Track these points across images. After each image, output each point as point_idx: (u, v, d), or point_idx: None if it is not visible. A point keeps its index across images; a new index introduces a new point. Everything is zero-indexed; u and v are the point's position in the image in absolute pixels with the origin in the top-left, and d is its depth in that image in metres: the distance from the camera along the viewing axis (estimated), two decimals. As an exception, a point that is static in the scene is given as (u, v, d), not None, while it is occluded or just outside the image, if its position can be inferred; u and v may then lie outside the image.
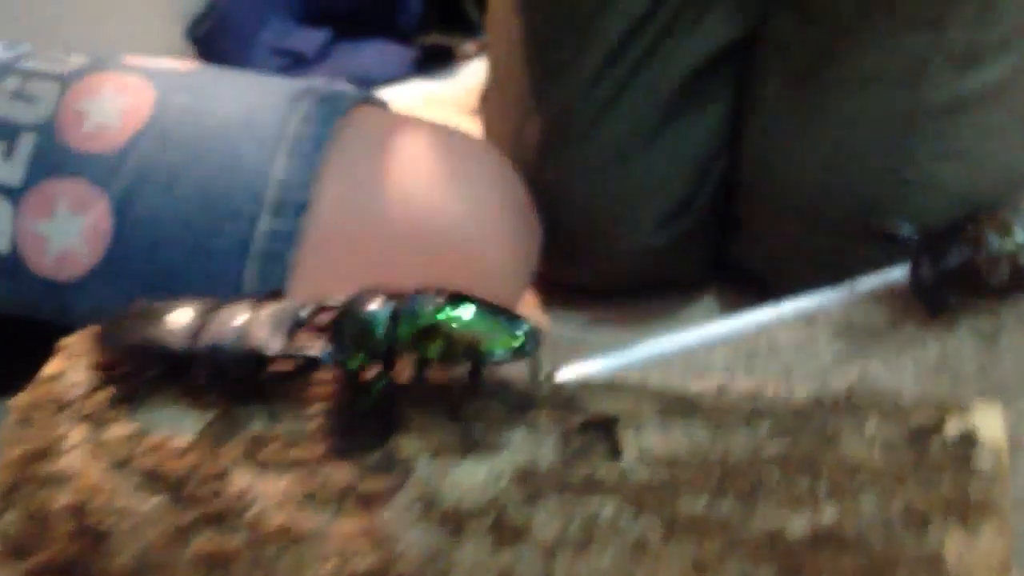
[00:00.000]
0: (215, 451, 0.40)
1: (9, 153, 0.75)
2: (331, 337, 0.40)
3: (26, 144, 0.75)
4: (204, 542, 0.39)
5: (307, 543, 0.39)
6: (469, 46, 1.17)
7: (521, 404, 0.40)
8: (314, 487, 0.39)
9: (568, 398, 0.40)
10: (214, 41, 1.16)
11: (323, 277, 0.74)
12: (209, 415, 0.40)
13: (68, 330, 0.46)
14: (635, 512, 0.37)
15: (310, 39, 1.17)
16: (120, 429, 0.40)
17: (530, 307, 0.90)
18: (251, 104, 0.77)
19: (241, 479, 0.39)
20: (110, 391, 0.41)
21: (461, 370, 0.41)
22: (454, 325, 0.41)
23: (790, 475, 0.37)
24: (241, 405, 0.41)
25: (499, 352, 0.40)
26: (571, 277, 0.89)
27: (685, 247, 0.88)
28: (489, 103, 0.94)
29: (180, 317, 0.42)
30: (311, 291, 0.76)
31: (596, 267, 0.89)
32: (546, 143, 0.86)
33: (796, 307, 0.71)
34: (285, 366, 0.41)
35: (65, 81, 0.77)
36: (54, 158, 0.75)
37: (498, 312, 0.42)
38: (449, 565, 0.38)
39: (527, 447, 0.39)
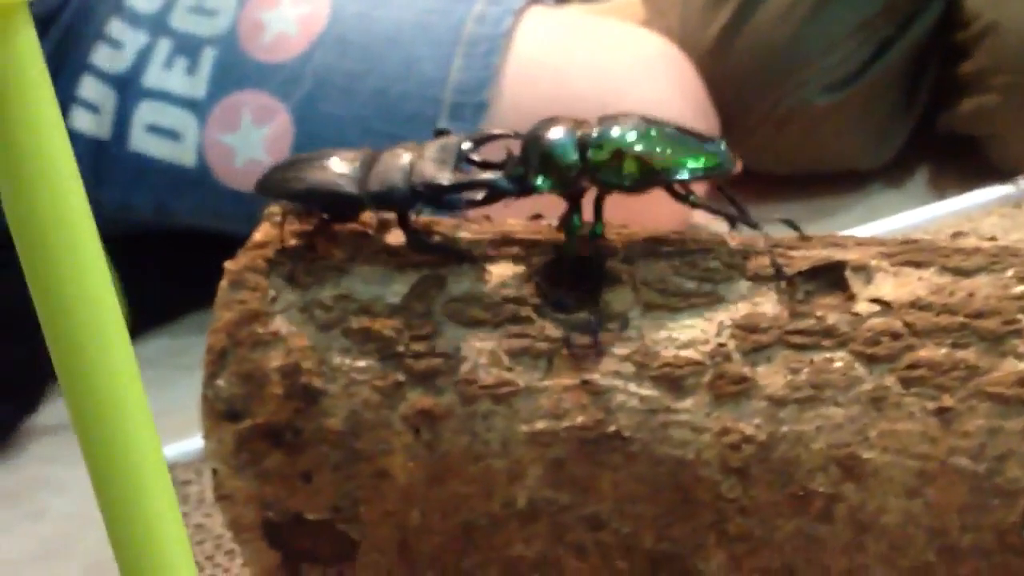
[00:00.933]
0: (423, 311, 0.39)
1: (193, 68, 0.77)
2: (515, 163, 0.39)
3: (208, 58, 0.76)
4: (415, 401, 0.38)
5: (519, 400, 0.38)
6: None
7: (737, 255, 0.38)
8: (525, 344, 0.38)
9: (788, 248, 0.38)
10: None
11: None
12: (416, 276, 0.40)
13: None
14: (870, 361, 0.34)
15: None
16: (329, 291, 0.40)
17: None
18: (425, 7, 0.76)
19: (450, 338, 0.39)
20: (317, 255, 0.41)
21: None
22: (645, 146, 0.39)
23: (1044, 317, 0.34)
24: (446, 265, 0.40)
25: (695, 166, 0.39)
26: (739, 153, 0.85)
27: (860, 116, 0.83)
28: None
29: (341, 165, 0.41)
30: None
31: (761, 139, 0.84)
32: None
33: (1001, 191, 0.67)
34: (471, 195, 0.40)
35: None
36: (236, 71, 0.76)
37: (689, 133, 0.40)
38: (667, 421, 0.36)
39: (748, 297, 0.37)
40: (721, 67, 0.80)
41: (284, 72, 0.75)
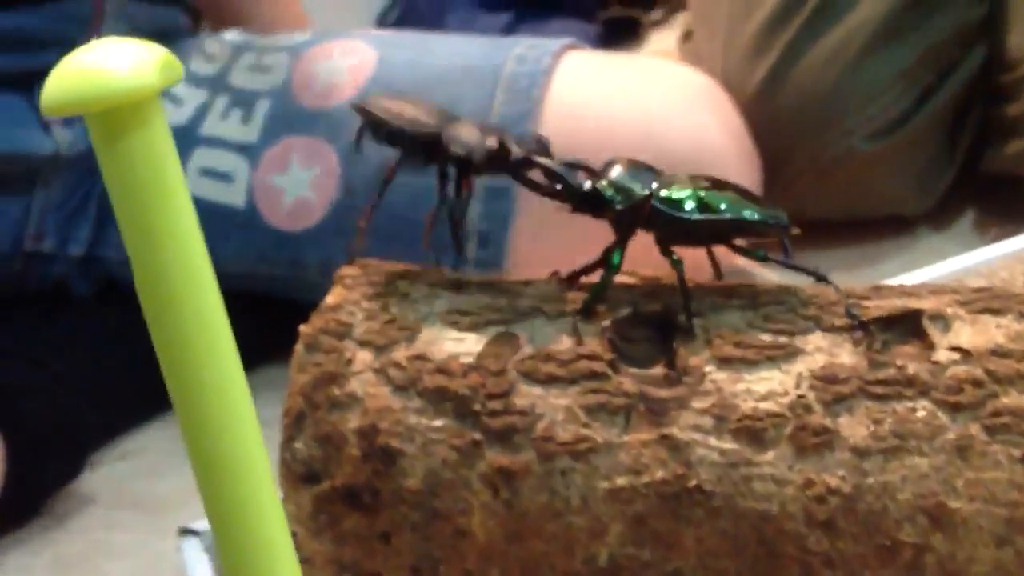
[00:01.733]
0: (498, 369, 0.39)
1: (247, 118, 0.79)
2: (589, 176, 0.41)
3: (262, 108, 0.78)
4: (492, 459, 0.38)
5: (598, 456, 0.38)
6: (654, 14, 1.15)
7: (811, 305, 0.38)
8: (601, 400, 0.38)
9: (861, 297, 0.38)
10: (402, 29, 1.19)
11: (546, 212, 0.74)
12: (489, 334, 0.40)
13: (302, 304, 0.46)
14: (953, 409, 0.34)
15: (494, 22, 1.18)
16: (404, 351, 0.40)
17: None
18: (467, 54, 0.78)
19: (526, 395, 0.39)
20: (391, 316, 0.41)
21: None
22: (710, 193, 0.40)
23: None
24: (520, 322, 0.40)
25: (755, 217, 0.40)
26: (781, 203, 0.85)
27: (904, 162, 0.83)
28: (692, 40, 0.91)
29: (424, 113, 0.43)
30: (536, 227, 0.76)
31: (806, 186, 0.84)
32: (759, 47, 0.82)
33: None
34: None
35: (295, 51, 0.80)
36: (288, 117, 0.78)
37: (752, 195, 0.41)
38: (749, 474, 0.36)
39: (825, 348, 0.37)
40: (764, 115, 0.81)
41: (333, 117, 0.77)
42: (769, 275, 0.85)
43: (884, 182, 0.84)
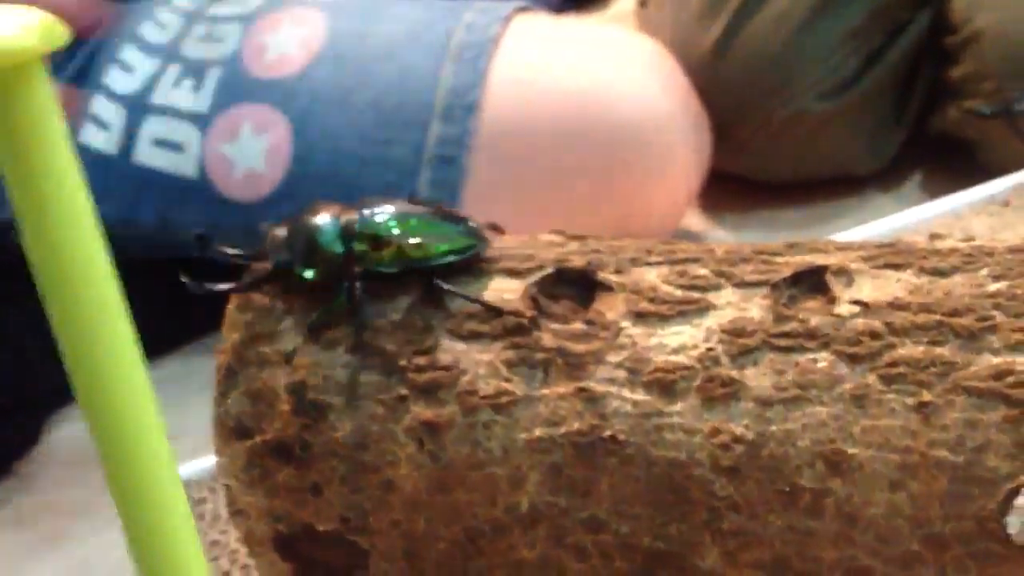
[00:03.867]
0: (424, 326, 0.40)
1: (198, 87, 0.79)
2: (279, 248, 0.40)
3: (213, 77, 0.79)
4: (418, 413, 0.40)
5: (518, 409, 0.39)
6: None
7: (724, 262, 0.39)
8: (522, 355, 0.39)
9: (773, 254, 0.39)
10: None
11: (495, 179, 0.75)
12: (416, 292, 0.41)
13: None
14: (852, 360, 0.36)
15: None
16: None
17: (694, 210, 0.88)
18: (416, 20, 0.79)
19: (450, 351, 0.40)
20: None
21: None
22: (402, 232, 0.40)
23: (1016, 312, 0.35)
24: (446, 280, 0.41)
25: (448, 251, 0.40)
26: (732, 165, 0.86)
27: (854, 123, 0.84)
28: (646, 6, 0.92)
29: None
30: (485, 194, 0.78)
31: (758, 148, 0.85)
32: (708, 10, 0.83)
33: (988, 191, 0.67)
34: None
35: (246, 20, 0.81)
36: (238, 86, 0.79)
37: (445, 216, 0.42)
38: (660, 424, 0.37)
39: (734, 303, 0.38)
40: (715, 78, 0.82)
41: (284, 87, 0.78)
42: (723, 236, 0.87)
43: (834, 143, 0.86)
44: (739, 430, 0.36)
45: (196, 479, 0.59)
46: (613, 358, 0.38)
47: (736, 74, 0.83)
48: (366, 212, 0.41)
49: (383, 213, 0.41)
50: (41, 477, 0.73)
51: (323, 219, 0.41)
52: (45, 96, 0.19)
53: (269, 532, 0.43)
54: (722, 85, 0.82)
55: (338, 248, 0.40)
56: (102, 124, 0.80)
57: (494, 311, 0.40)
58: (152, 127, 0.79)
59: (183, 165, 0.79)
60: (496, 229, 0.43)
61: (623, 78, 0.76)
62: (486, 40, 0.76)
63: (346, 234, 0.40)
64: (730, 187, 0.88)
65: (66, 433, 0.76)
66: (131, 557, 0.25)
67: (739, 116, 0.84)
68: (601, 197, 0.75)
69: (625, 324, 0.39)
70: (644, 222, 0.76)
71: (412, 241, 0.41)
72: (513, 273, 0.41)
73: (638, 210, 0.76)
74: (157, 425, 0.24)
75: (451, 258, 0.41)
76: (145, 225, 0.80)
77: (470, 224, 0.42)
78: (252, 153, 0.77)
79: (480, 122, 0.74)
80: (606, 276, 0.40)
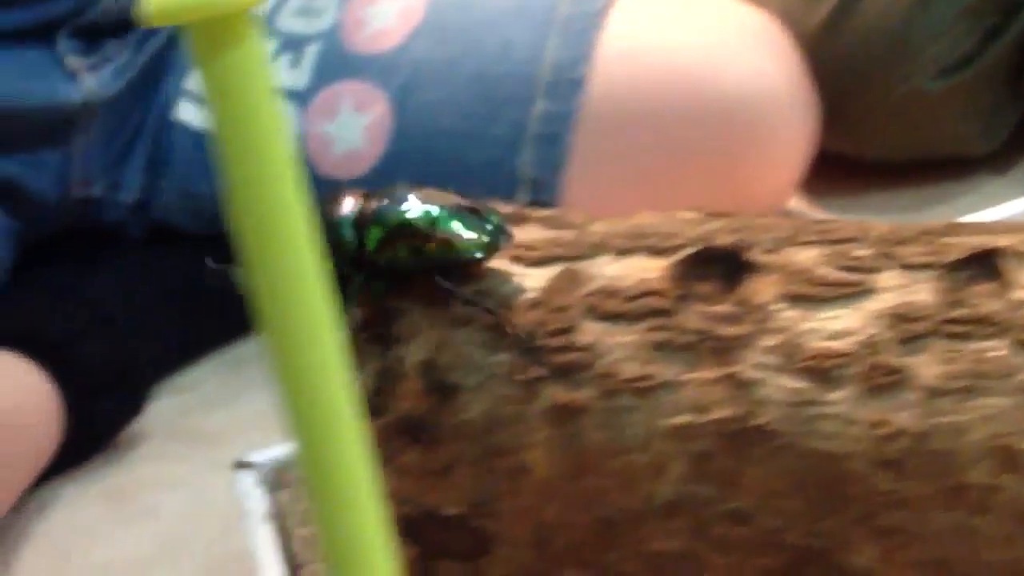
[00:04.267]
0: (561, 305, 0.39)
1: (296, 62, 0.78)
2: None
3: (311, 53, 0.77)
4: (554, 395, 0.38)
5: (661, 394, 0.37)
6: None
7: (886, 242, 0.37)
8: (666, 337, 0.37)
9: (940, 234, 0.37)
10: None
11: (600, 157, 0.73)
12: (552, 269, 0.40)
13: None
14: (1030, 350, 0.34)
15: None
16: (467, 286, 0.40)
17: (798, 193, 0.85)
18: None
19: (589, 331, 0.38)
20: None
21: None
22: (422, 224, 0.38)
23: None
24: (584, 258, 0.39)
25: (471, 249, 0.38)
26: (839, 145, 0.82)
27: (970, 102, 0.81)
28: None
29: None
30: (588, 172, 0.75)
31: (869, 127, 0.82)
32: None
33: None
34: None
35: None
36: (337, 62, 0.77)
37: (464, 208, 0.39)
38: (816, 414, 0.35)
39: (899, 286, 0.36)
40: (827, 55, 0.79)
41: (383, 61, 0.76)
42: (814, 215, 0.84)
43: (949, 123, 0.82)
44: (904, 422, 0.34)
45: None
46: (765, 342, 0.36)
47: (849, 50, 0.80)
48: (385, 202, 0.39)
49: (400, 202, 0.39)
50: (136, 451, 0.72)
51: (343, 206, 0.39)
52: (256, 50, 0.17)
53: (393, 514, 0.41)
54: (833, 61, 0.79)
55: (350, 238, 0.38)
56: (197, 99, 0.79)
57: (498, 323, 0.38)
58: None
59: None
60: (522, 218, 0.41)
61: (734, 51, 0.73)
62: (593, 13, 0.74)
63: (360, 223, 0.38)
64: (833, 168, 0.85)
65: (161, 407, 0.75)
66: (321, 529, 0.23)
67: (850, 94, 0.81)
68: (708, 176, 0.73)
69: (777, 307, 0.37)
70: (751, 202, 0.73)
71: (436, 234, 0.38)
72: (655, 251, 0.39)
73: (746, 190, 0.74)
74: (348, 392, 0.22)
75: (474, 255, 0.39)
76: None
77: (493, 218, 0.39)
78: (351, 130, 0.76)
79: (585, 98, 0.72)
80: (755, 256, 0.38)
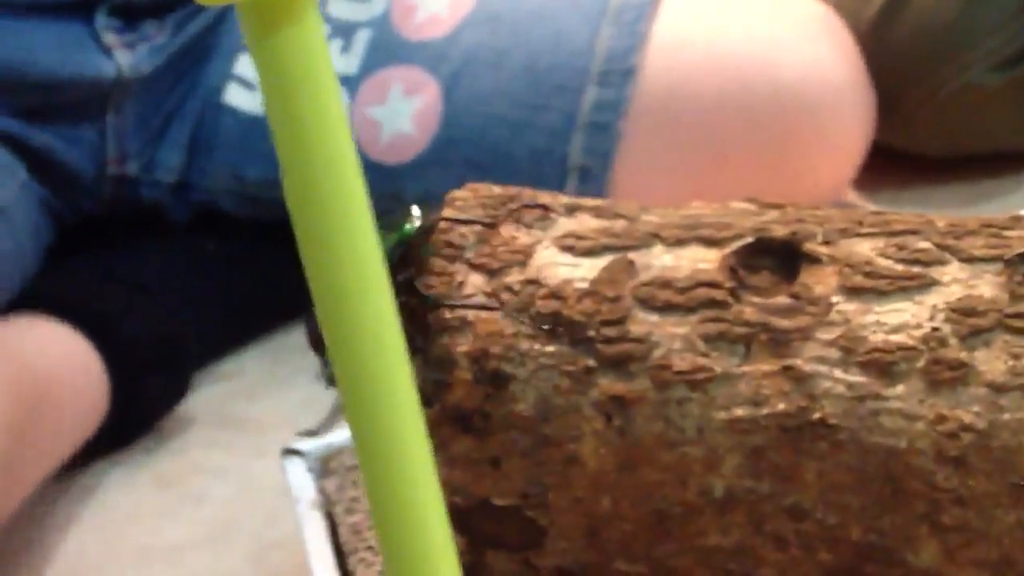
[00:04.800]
0: (614, 295, 0.38)
1: (347, 48, 0.78)
2: None
3: (361, 39, 0.77)
4: (606, 386, 0.38)
5: (716, 386, 0.37)
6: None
7: (948, 235, 0.36)
8: (721, 328, 0.37)
9: (1003, 228, 0.36)
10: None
11: (651, 147, 0.72)
12: (604, 259, 0.39)
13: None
14: (1100, 345, 0.33)
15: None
16: (516, 275, 0.40)
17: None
18: None
19: (642, 322, 0.38)
20: (503, 240, 0.40)
21: None
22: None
23: None
24: (637, 248, 0.39)
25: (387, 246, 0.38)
26: (891, 138, 0.81)
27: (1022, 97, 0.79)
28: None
29: None
30: (639, 162, 0.75)
31: (921, 121, 0.81)
32: None
33: None
34: None
35: None
36: (387, 48, 0.77)
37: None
38: (877, 408, 0.35)
39: (962, 280, 0.35)
40: (881, 46, 0.78)
41: (434, 49, 0.76)
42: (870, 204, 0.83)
43: (1003, 117, 0.81)
44: (968, 417, 0.33)
45: (347, 447, 0.57)
46: (824, 335, 0.36)
47: (904, 42, 0.79)
48: None
49: None
50: (183, 438, 0.72)
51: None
52: (313, 28, 0.17)
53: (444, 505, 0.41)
54: (888, 53, 0.78)
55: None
56: (247, 84, 0.79)
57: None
58: None
59: None
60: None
61: (791, 40, 0.72)
62: (646, 1, 0.73)
63: None
64: (885, 162, 0.84)
65: (206, 394, 0.75)
66: (376, 524, 0.23)
67: (904, 87, 0.80)
68: (763, 167, 0.72)
69: (836, 299, 0.36)
70: (806, 195, 0.72)
71: None
72: (709, 242, 0.38)
73: (801, 182, 0.73)
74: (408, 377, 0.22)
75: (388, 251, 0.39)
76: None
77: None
78: (400, 115, 0.76)
79: (637, 87, 0.71)
80: (813, 247, 0.37)
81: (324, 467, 0.55)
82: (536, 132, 0.73)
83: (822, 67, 0.72)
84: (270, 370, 0.78)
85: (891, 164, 0.84)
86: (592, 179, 0.73)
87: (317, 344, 0.42)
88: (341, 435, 0.57)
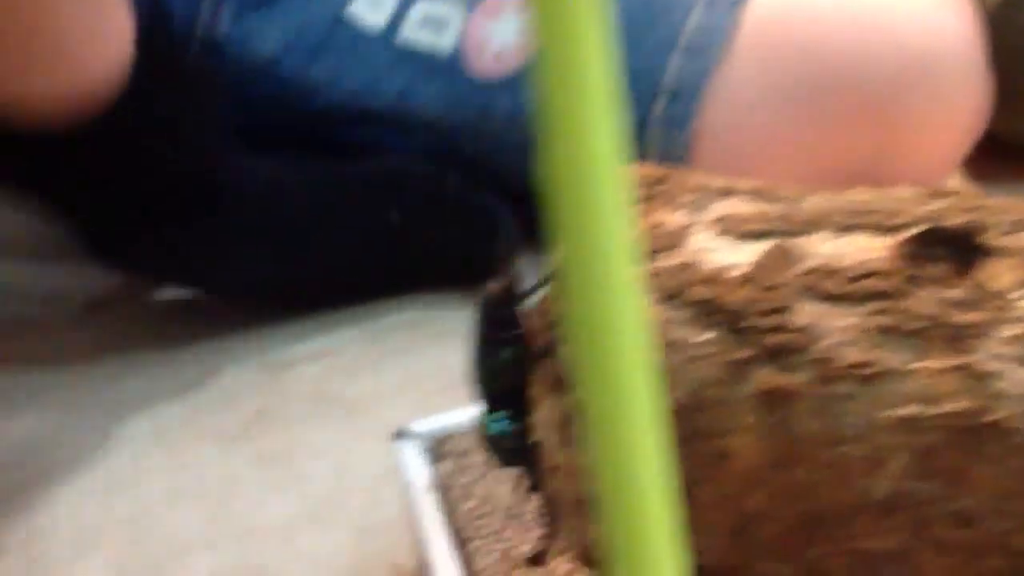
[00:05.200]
0: (774, 283, 0.36)
1: None
2: None
3: None
4: (765, 378, 0.36)
5: (884, 382, 0.35)
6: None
7: None
8: (892, 321, 0.35)
9: None
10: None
11: (747, 82, 0.70)
12: (764, 245, 0.37)
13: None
14: None
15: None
16: (669, 260, 0.38)
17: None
18: None
19: (805, 312, 0.36)
20: (654, 222, 0.39)
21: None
22: None
23: None
24: (800, 233, 0.37)
25: None
26: (1006, 128, 0.78)
27: None
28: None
29: None
30: (730, 96, 0.72)
31: None
32: None
33: None
34: None
35: None
36: None
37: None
38: (1063, 411, 0.33)
39: None
40: (1005, 31, 0.75)
41: None
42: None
43: None
44: None
45: (458, 431, 0.56)
46: (1004, 332, 0.34)
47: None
48: None
49: None
50: (283, 416, 0.72)
51: None
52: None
53: (576, 495, 0.39)
54: (1007, 46, 0.75)
55: None
56: (376, 2, 0.79)
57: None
58: (423, 7, 0.77)
59: (440, 43, 0.77)
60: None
61: (914, 6, 0.69)
62: None
63: None
64: (995, 152, 0.81)
65: (304, 373, 0.75)
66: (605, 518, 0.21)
67: (1022, 77, 0.77)
68: (865, 130, 0.69)
69: (1017, 294, 0.34)
70: (915, 169, 0.69)
71: None
72: (879, 229, 0.37)
73: (903, 155, 0.69)
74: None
75: None
76: (386, 97, 0.78)
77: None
78: (509, 30, 0.75)
79: (745, 16, 0.69)
80: (991, 239, 0.35)
81: (438, 450, 0.54)
82: (641, 49, 0.72)
83: (946, 35, 0.69)
84: (365, 350, 0.77)
85: (1002, 155, 0.82)
86: (681, 103, 0.71)
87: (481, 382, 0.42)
88: (455, 417, 0.56)
